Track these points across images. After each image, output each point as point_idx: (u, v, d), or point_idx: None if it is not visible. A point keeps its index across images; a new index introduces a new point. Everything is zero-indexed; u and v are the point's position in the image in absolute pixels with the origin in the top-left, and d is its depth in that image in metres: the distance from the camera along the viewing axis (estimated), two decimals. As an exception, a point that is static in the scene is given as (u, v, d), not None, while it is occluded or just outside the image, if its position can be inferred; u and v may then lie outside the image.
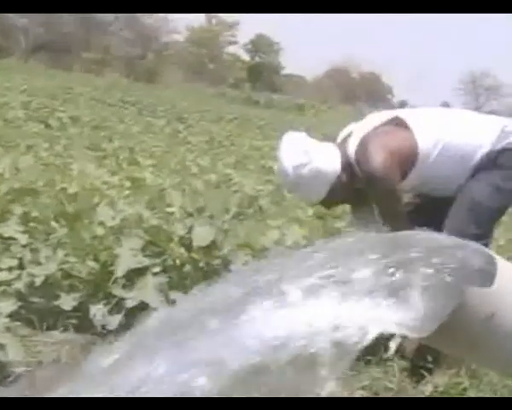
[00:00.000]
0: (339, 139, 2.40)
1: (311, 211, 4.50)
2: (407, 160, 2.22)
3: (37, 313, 2.38)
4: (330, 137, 2.48)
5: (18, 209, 3.00)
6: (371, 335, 0.83)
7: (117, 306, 2.41)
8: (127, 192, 4.35)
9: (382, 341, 1.02)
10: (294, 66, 62.92)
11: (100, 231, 2.78)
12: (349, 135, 2.34)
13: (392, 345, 2.25)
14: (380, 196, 2.20)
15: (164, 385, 0.84)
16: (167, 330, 0.94)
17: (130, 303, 2.39)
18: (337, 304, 0.86)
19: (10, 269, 2.46)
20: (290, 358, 0.82)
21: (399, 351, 2.29)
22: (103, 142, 8.74)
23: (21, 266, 2.52)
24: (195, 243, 2.68)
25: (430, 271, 0.89)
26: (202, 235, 2.71)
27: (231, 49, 39.42)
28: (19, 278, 2.44)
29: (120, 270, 2.47)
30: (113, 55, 31.16)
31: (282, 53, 40.34)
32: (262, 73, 38.04)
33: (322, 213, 4.28)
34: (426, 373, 2.24)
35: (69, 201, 3.32)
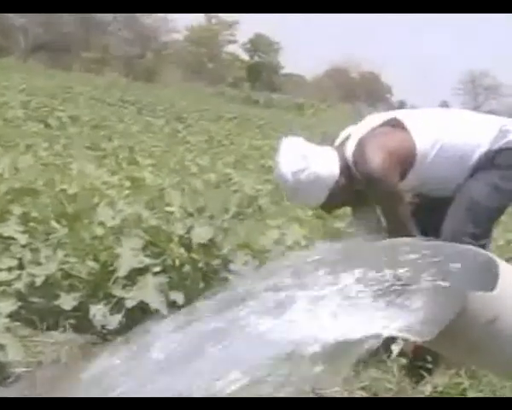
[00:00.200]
0: (337, 142, 2.40)
1: (310, 211, 4.50)
2: (405, 160, 2.22)
3: (37, 313, 2.38)
4: (329, 136, 2.48)
5: (17, 209, 2.99)
6: (376, 339, 0.84)
7: (117, 306, 2.41)
8: (127, 192, 4.34)
9: (382, 342, 1.02)
10: (294, 65, 62.88)
11: (100, 231, 2.78)
12: (347, 138, 2.34)
13: (395, 348, 2.26)
14: (380, 197, 2.20)
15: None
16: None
17: (130, 303, 2.39)
18: (342, 309, 0.86)
19: (10, 269, 2.46)
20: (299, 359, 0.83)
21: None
22: (103, 141, 8.73)
23: (21, 266, 2.51)
24: (195, 241, 2.68)
25: (432, 276, 0.90)
26: (202, 235, 2.71)
27: (230, 48, 39.50)
28: (19, 278, 2.44)
29: (122, 270, 2.46)
30: (113, 54, 31.17)
31: (282, 52, 40.39)
32: (261, 72, 38.02)
33: (322, 213, 4.28)
34: (425, 373, 2.24)
35: (69, 201, 3.32)
